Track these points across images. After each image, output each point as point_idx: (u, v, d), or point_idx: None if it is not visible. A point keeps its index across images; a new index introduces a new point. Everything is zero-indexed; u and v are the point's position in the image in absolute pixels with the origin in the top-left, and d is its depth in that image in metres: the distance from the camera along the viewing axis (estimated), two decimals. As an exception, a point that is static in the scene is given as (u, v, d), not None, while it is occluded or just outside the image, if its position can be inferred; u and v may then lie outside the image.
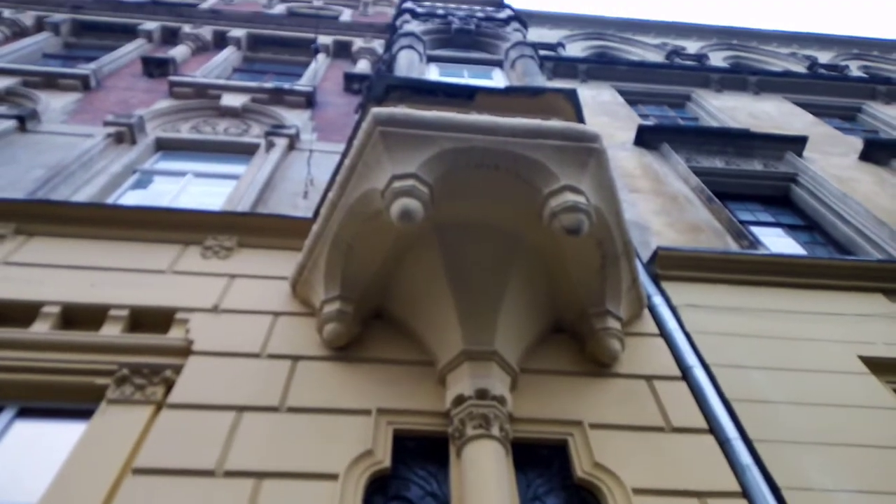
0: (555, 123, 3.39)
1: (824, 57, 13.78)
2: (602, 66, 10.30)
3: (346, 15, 12.86)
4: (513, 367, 3.43)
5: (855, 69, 13.05)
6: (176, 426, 3.06)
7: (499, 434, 3.05)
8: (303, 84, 8.01)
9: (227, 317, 3.80)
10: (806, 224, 6.42)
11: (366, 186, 3.36)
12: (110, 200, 5.34)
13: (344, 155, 4.15)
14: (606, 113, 8.44)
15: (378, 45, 10.32)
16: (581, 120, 4.20)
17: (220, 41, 10.10)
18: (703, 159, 7.03)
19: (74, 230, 4.36)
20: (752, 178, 6.93)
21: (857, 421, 3.56)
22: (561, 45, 12.14)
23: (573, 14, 14.15)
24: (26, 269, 3.99)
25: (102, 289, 3.89)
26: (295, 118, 7.07)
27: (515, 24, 11.23)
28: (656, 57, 12.44)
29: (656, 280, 4.53)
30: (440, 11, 11.65)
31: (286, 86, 7.70)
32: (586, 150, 3.35)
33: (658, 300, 4.26)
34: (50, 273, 3.97)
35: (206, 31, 10.07)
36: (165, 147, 6.46)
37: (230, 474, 2.85)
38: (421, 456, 3.19)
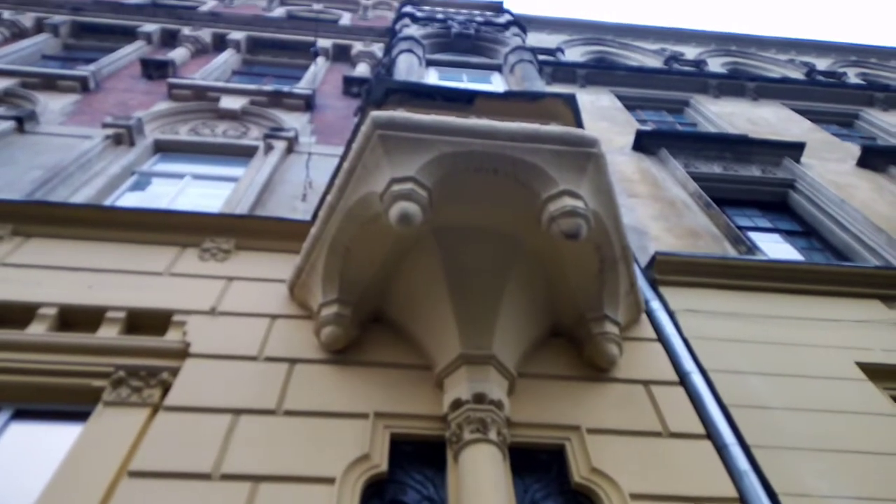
0: (553, 128, 3.39)
1: (822, 64, 13.85)
2: (601, 72, 10.34)
3: (346, 18, 12.88)
4: (510, 371, 3.43)
5: (853, 76, 13.12)
6: (172, 429, 3.05)
7: (496, 438, 3.05)
8: (302, 87, 8.02)
9: (224, 319, 3.79)
10: (804, 230, 6.43)
11: (364, 190, 3.35)
12: (108, 202, 5.33)
13: (343, 158, 4.15)
14: (605, 118, 8.46)
15: (377, 48, 10.34)
16: (580, 125, 4.21)
17: (220, 44, 10.12)
18: (702, 165, 7.05)
19: (72, 232, 4.35)
20: (750, 184, 6.95)
21: (854, 427, 3.56)
22: (560, 50, 12.19)
23: (572, 19, 14.20)
24: (23, 271, 3.98)
25: (100, 290, 3.88)
26: (294, 121, 7.08)
27: (515, 29, 11.26)
28: (655, 62, 12.48)
29: (654, 285, 4.53)
30: (440, 16, 11.68)
31: (285, 89, 7.70)
32: (585, 155, 3.35)
33: (656, 305, 4.26)
34: (47, 274, 3.96)
35: (206, 34, 10.08)
36: (164, 149, 6.45)
37: (226, 477, 2.83)
38: (418, 460, 3.18)
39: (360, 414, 3.23)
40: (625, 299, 3.94)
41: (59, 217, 4.42)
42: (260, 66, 10.01)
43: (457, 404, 3.19)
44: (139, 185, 5.85)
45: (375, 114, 3.34)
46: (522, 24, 12.09)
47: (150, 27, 10.08)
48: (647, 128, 8.38)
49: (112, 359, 3.41)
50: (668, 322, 4.12)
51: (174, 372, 3.40)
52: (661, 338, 4.04)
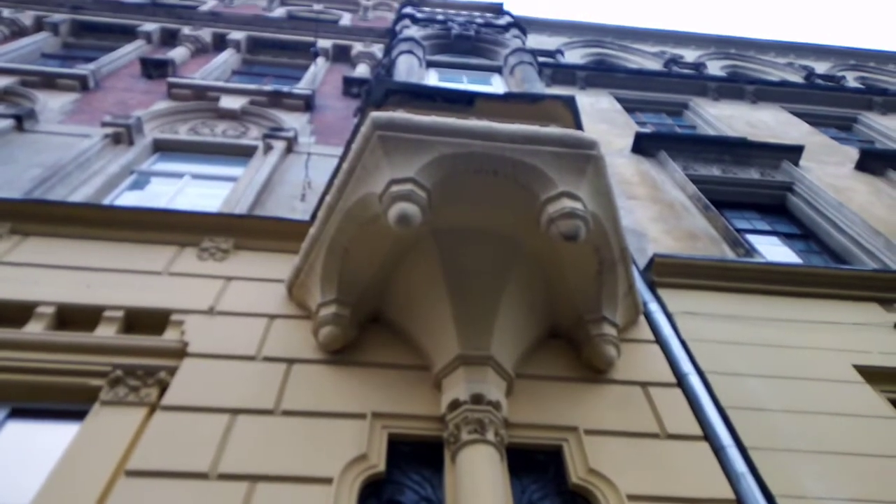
0: (553, 130, 3.40)
1: (821, 67, 13.89)
2: (600, 74, 10.34)
3: (346, 19, 12.90)
4: (508, 372, 3.43)
5: (851, 80, 13.15)
6: (170, 428, 3.05)
7: (494, 439, 3.05)
8: (302, 87, 8.02)
9: (222, 319, 3.79)
10: (802, 233, 6.44)
11: (364, 190, 3.36)
12: (107, 201, 5.32)
13: (342, 158, 4.15)
14: (604, 120, 8.47)
15: (377, 49, 10.34)
16: (579, 127, 4.21)
17: (220, 43, 10.12)
18: (701, 167, 7.06)
19: (70, 230, 4.34)
20: (748, 187, 6.96)
21: (851, 430, 3.56)
22: (560, 52, 12.20)
23: (572, 21, 14.23)
24: (21, 269, 3.97)
25: (98, 289, 3.87)
26: (293, 121, 7.08)
27: (515, 31, 11.28)
28: (654, 65, 12.51)
29: (652, 287, 4.53)
30: (440, 17, 11.71)
31: (285, 89, 7.70)
32: (584, 157, 3.36)
33: (654, 307, 4.27)
34: (45, 273, 3.96)
35: (206, 34, 10.09)
36: (163, 148, 6.45)
37: (224, 477, 2.83)
38: (416, 460, 3.18)
39: (357, 414, 3.23)
40: (623, 301, 3.95)
41: (58, 216, 4.42)
42: (260, 66, 10.02)
43: (455, 405, 3.19)
44: (138, 185, 5.85)
45: (375, 114, 3.34)
46: (522, 25, 12.11)
47: (149, 26, 10.08)
48: (647, 130, 8.39)
49: (110, 358, 3.40)
50: (666, 324, 4.13)
51: (172, 371, 3.39)
52: (659, 339, 4.04)
